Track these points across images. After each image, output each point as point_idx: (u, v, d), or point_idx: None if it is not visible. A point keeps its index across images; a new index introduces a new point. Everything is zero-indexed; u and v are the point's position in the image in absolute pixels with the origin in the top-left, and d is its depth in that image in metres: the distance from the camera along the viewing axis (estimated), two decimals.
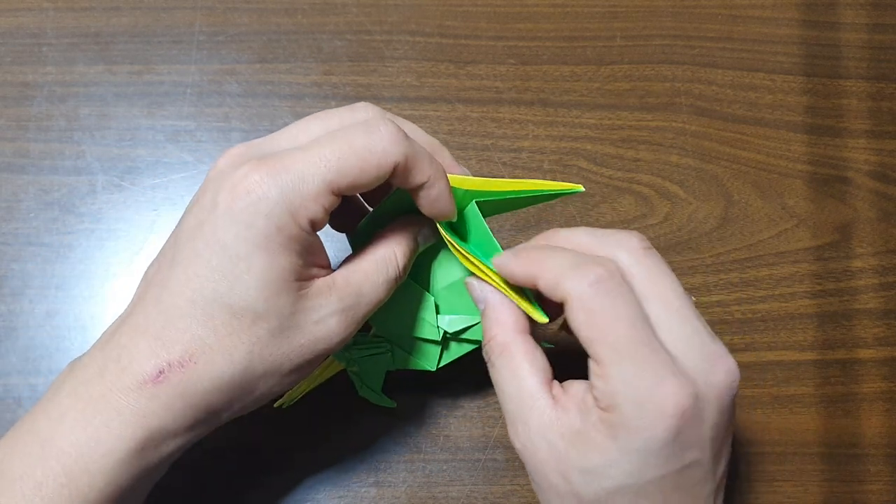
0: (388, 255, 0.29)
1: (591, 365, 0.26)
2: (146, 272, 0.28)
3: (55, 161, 0.39)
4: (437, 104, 0.42)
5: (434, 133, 0.41)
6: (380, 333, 0.34)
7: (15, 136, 0.40)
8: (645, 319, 0.26)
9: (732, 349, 0.29)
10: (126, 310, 0.28)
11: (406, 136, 0.27)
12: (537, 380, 0.28)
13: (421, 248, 0.31)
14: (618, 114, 0.42)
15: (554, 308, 0.29)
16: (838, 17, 0.45)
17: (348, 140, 0.26)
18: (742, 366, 0.40)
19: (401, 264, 0.29)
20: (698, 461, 0.26)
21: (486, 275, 0.29)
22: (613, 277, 0.26)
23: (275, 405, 0.34)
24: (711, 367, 0.27)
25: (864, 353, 0.41)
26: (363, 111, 0.30)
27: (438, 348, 0.33)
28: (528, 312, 0.28)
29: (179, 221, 0.27)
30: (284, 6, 0.42)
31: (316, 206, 0.26)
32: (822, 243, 0.42)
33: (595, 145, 0.42)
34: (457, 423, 0.38)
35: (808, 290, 0.41)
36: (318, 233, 0.27)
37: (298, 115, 0.41)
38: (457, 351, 0.34)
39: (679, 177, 0.42)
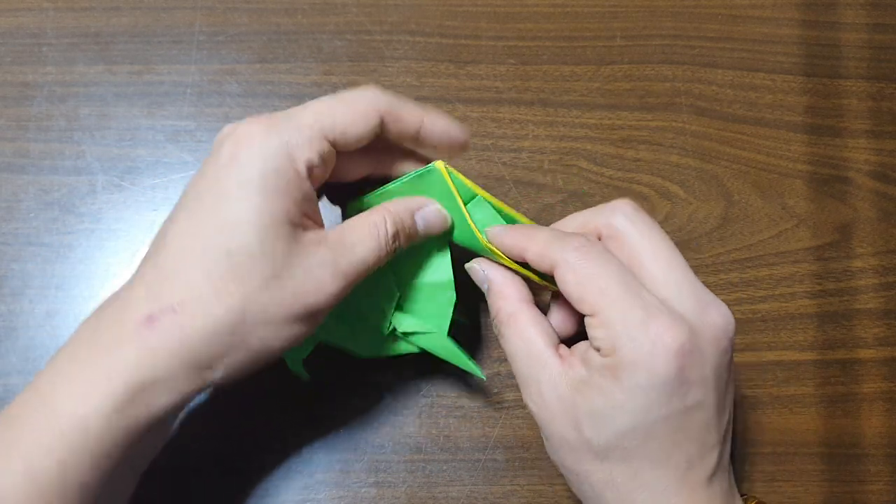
0: (379, 222, 0.30)
1: (588, 321, 0.28)
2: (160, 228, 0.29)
3: (55, 161, 0.39)
4: (437, 104, 0.42)
5: None
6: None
7: (15, 136, 0.40)
8: (631, 275, 0.28)
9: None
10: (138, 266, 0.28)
11: (390, 92, 0.30)
12: (544, 342, 0.29)
13: (422, 233, 0.31)
14: (618, 114, 0.42)
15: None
16: (838, 17, 0.45)
17: (338, 96, 0.29)
18: (742, 366, 0.40)
19: (391, 231, 0.30)
20: (701, 403, 0.27)
21: (497, 254, 0.31)
22: (595, 244, 0.29)
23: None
24: (704, 308, 0.28)
25: (865, 353, 0.41)
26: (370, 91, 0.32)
27: (380, 340, 0.34)
28: (541, 284, 0.31)
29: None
30: (284, 6, 0.42)
31: (311, 152, 0.28)
32: (822, 243, 0.42)
33: (595, 145, 0.42)
34: (457, 423, 0.38)
35: (809, 290, 0.41)
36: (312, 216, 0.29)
37: None
38: (394, 350, 0.34)
39: (679, 177, 0.42)
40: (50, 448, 0.24)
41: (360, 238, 0.29)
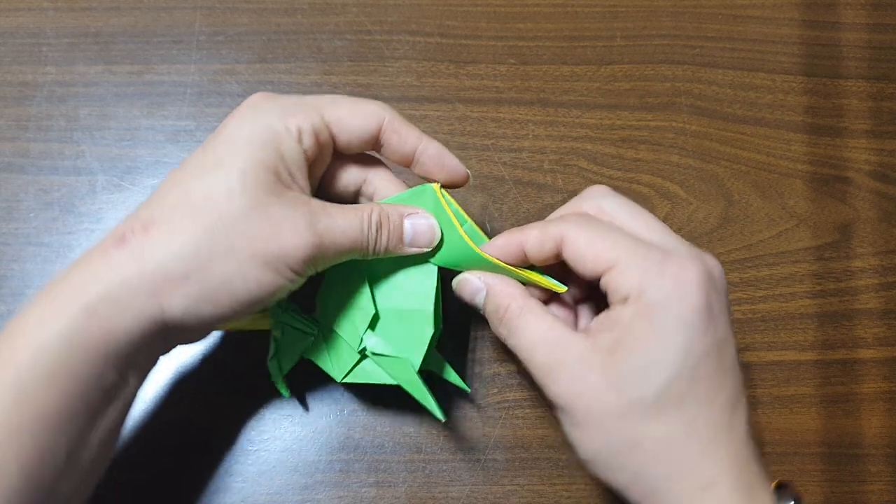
0: (367, 209, 0.30)
1: (606, 278, 0.28)
2: None
3: (55, 161, 0.39)
4: (437, 104, 0.42)
5: (434, 133, 0.41)
6: (318, 317, 0.33)
7: (15, 136, 0.40)
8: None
9: None
10: None
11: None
12: (562, 325, 0.29)
13: (408, 239, 0.31)
14: (618, 114, 0.42)
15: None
16: (838, 17, 0.45)
17: (346, 96, 0.31)
18: (742, 366, 0.40)
19: (375, 220, 0.30)
20: (728, 337, 0.28)
21: (494, 262, 0.31)
22: (590, 216, 0.30)
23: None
24: (699, 254, 0.29)
25: (865, 353, 0.40)
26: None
27: (352, 361, 0.33)
28: (546, 286, 0.31)
29: None
30: (284, 6, 0.42)
31: (305, 121, 0.29)
32: (822, 243, 0.42)
33: (595, 145, 0.42)
34: (457, 423, 0.38)
35: (808, 290, 0.41)
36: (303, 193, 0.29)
37: None
38: (365, 377, 0.33)
39: (679, 177, 0.42)
40: (7, 377, 0.24)
41: (344, 214, 0.29)
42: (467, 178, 0.33)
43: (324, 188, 0.33)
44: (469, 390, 0.33)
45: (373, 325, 0.32)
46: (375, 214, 0.30)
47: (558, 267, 0.32)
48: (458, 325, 0.38)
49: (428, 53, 0.42)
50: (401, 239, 0.31)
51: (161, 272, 0.26)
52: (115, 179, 0.40)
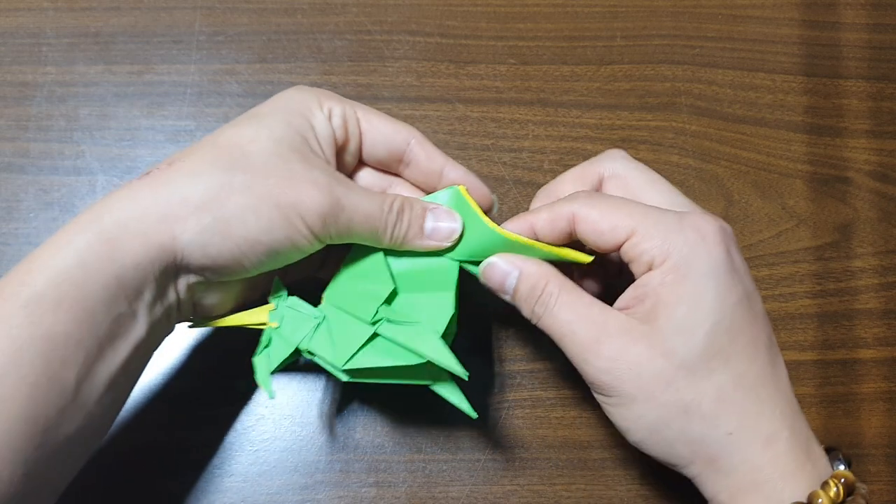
0: (390, 196, 0.30)
1: (627, 247, 0.28)
2: None
3: (55, 161, 0.39)
4: (437, 104, 0.42)
5: (434, 133, 0.41)
6: (324, 307, 0.32)
7: (15, 136, 0.40)
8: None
9: None
10: None
11: None
12: (598, 301, 0.29)
13: (428, 230, 0.31)
14: (618, 114, 0.42)
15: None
16: (838, 17, 0.45)
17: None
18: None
19: (397, 206, 0.30)
20: (753, 290, 0.29)
21: (525, 242, 0.31)
22: (595, 192, 0.31)
23: (188, 325, 0.32)
24: (706, 214, 0.29)
25: (865, 353, 0.40)
26: None
27: (362, 339, 0.30)
28: (574, 259, 0.31)
29: None
30: (284, 6, 0.42)
31: (338, 106, 0.31)
32: (822, 243, 0.42)
33: (595, 145, 0.42)
34: (457, 423, 0.38)
35: (808, 290, 0.41)
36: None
37: None
38: (371, 359, 0.30)
39: (679, 177, 0.42)
40: (20, 297, 0.24)
41: (366, 192, 0.30)
42: (493, 204, 0.34)
43: None
44: (476, 416, 0.32)
45: (389, 300, 0.31)
46: (398, 201, 0.30)
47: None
48: (459, 325, 0.38)
49: (428, 53, 0.42)
50: (421, 229, 0.31)
51: (176, 198, 0.26)
52: (115, 179, 0.40)
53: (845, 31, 0.45)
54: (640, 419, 0.28)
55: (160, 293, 0.27)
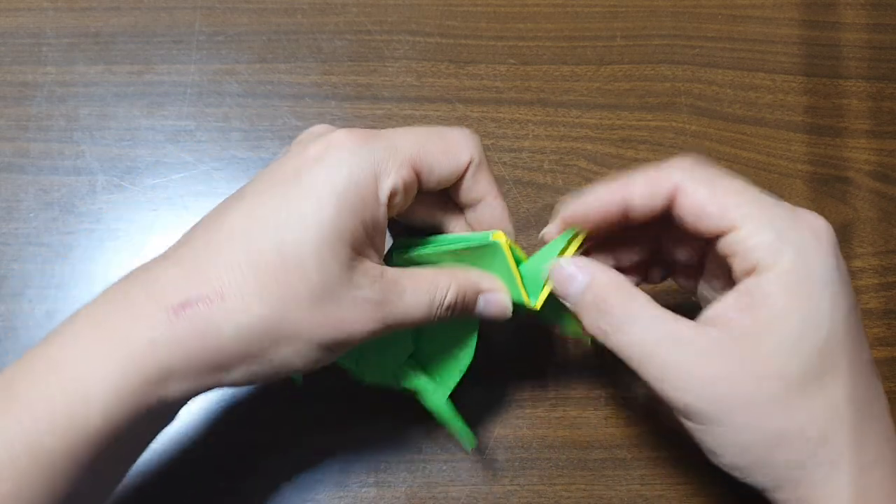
0: (443, 286, 0.28)
1: (730, 239, 0.25)
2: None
3: (55, 161, 0.39)
4: (437, 104, 0.42)
5: None
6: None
7: (15, 136, 0.40)
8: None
9: None
10: (176, 241, 0.26)
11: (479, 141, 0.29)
12: (678, 316, 0.26)
13: (478, 313, 0.30)
14: (618, 114, 0.42)
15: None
16: (838, 17, 0.45)
17: (435, 129, 0.28)
18: None
19: (448, 300, 0.28)
20: (856, 305, 0.26)
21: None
22: (702, 163, 0.26)
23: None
24: (815, 213, 0.26)
25: None
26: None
27: (387, 371, 0.32)
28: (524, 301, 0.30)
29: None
30: (284, 6, 0.42)
31: (398, 178, 0.26)
32: None
33: (595, 145, 0.42)
34: None
35: None
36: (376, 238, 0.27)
37: (299, 115, 0.41)
38: (398, 383, 0.33)
39: None
40: (49, 413, 0.23)
41: (415, 291, 0.27)
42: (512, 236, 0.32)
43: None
44: (472, 447, 0.32)
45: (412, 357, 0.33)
46: (451, 295, 0.28)
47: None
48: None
49: (428, 53, 0.42)
50: (470, 314, 0.29)
51: (225, 353, 0.24)
52: (115, 179, 0.40)
53: (845, 31, 0.45)
54: (734, 444, 0.25)
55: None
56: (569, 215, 0.28)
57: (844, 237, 0.42)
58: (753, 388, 0.24)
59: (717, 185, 0.26)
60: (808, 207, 0.41)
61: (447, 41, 0.42)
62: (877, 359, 0.40)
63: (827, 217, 0.41)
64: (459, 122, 0.41)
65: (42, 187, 0.39)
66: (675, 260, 0.31)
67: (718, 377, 0.24)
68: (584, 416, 0.38)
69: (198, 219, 0.27)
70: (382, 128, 0.29)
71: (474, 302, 0.29)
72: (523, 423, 0.38)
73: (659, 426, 0.38)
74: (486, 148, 0.41)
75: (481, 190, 0.29)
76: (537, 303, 0.29)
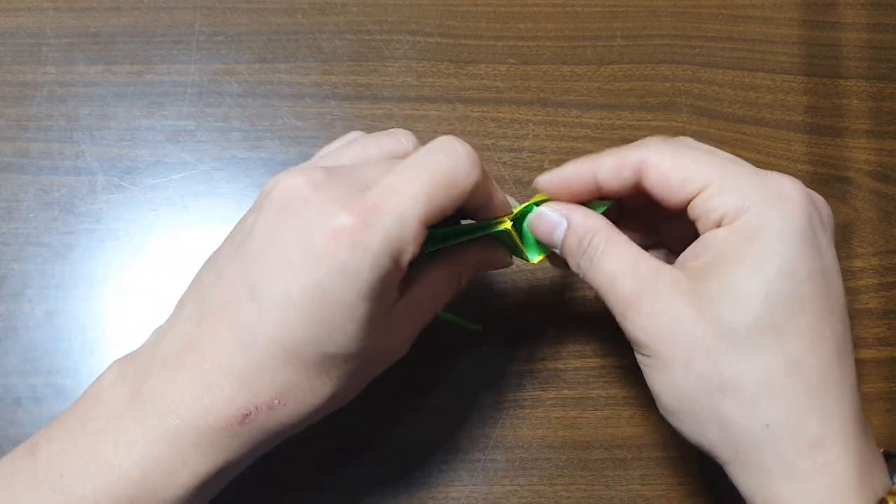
0: (463, 278, 0.30)
1: (699, 200, 0.26)
2: (202, 291, 0.26)
3: (55, 161, 0.39)
4: (437, 104, 0.42)
5: (434, 133, 0.41)
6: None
7: (15, 136, 0.40)
8: None
9: None
10: (185, 328, 0.26)
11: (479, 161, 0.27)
12: (648, 254, 0.27)
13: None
14: (618, 114, 0.42)
15: None
16: (838, 17, 0.45)
17: (432, 169, 0.25)
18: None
19: (463, 283, 0.30)
20: (835, 270, 0.25)
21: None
22: (670, 139, 0.28)
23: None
24: (798, 181, 0.26)
25: (864, 353, 0.40)
26: (405, 138, 0.30)
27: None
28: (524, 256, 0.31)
29: (246, 242, 0.25)
30: (284, 6, 0.42)
31: (414, 246, 0.25)
32: None
33: (595, 145, 0.42)
34: (457, 423, 0.38)
35: None
36: None
37: (299, 115, 0.41)
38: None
39: None
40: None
41: (437, 297, 0.29)
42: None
43: None
44: (480, 329, 0.35)
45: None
46: (465, 281, 0.30)
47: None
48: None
49: (428, 53, 0.42)
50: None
51: (285, 436, 0.28)
52: (115, 179, 0.40)
53: (845, 31, 0.45)
54: (672, 387, 0.25)
55: None
56: (545, 182, 0.30)
57: (844, 237, 0.42)
58: (686, 329, 0.25)
59: (682, 156, 0.26)
60: None
61: (447, 41, 0.42)
62: (877, 359, 0.40)
63: None
64: (459, 121, 0.41)
65: (42, 187, 0.39)
66: (675, 248, 0.32)
67: (660, 311, 0.25)
68: (584, 416, 0.38)
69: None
70: (382, 128, 0.29)
71: (477, 272, 0.31)
72: (523, 423, 0.38)
73: (659, 426, 0.38)
74: (485, 148, 0.41)
75: (483, 198, 0.29)
76: (536, 259, 0.31)
